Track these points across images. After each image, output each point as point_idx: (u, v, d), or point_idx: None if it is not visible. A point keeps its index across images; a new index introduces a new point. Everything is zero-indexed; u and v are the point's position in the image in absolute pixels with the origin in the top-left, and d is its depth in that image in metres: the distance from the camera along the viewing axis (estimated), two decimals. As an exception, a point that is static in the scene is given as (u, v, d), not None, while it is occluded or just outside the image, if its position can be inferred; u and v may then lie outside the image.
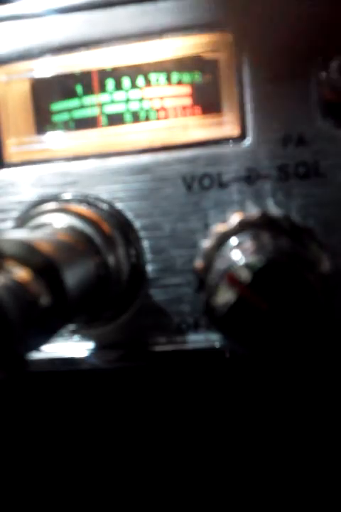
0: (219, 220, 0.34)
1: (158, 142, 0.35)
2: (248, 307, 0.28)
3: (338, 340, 0.33)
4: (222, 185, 0.34)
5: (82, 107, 0.37)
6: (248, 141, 0.34)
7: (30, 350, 0.27)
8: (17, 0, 0.35)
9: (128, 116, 0.36)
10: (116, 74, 0.36)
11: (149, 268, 0.36)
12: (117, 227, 0.35)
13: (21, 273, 0.26)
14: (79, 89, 0.37)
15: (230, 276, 0.29)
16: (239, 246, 0.32)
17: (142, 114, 0.36)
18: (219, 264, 0.31)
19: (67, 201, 0.36)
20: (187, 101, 0.36)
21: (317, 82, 0.32)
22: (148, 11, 0.34)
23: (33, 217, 0.35)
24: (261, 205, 0.34)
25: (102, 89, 0.36)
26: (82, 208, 0.35)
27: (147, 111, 0.36)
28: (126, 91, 0.36)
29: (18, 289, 0.25)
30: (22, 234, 0.30)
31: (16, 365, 0.25)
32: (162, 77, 0.36)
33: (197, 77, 0.36)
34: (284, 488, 0.41)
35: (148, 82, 0.36)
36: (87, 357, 0.37)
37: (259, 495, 0.41)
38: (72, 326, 0.36)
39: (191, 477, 0.42)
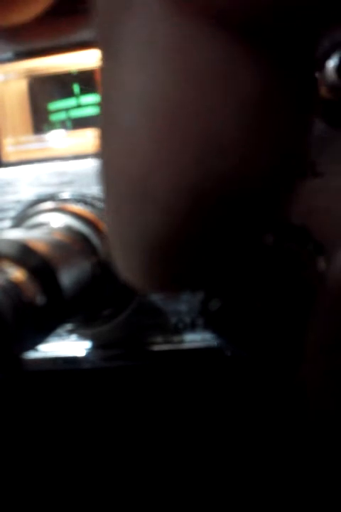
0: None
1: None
2: (243, 307, 0.28)
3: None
4: None
5: (79, 106, 0.37)
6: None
7: (25, 350, 0.27)
8: None
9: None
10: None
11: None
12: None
13: (16, 273, 0.26)
14: (76, 88, 0.37)
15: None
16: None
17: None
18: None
19: (64, 201, 0.36)
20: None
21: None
22: None
23: (30, 216, 0.35)
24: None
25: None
26: (79, 208, 0.35)
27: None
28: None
29: (13, 289, 0.25)
30: (18, 234, 0.30)
31: (11, 365, 0.26)
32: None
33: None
34: (285, 488, 0.41)
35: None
36: (84, 356, 0.37)
37: (259, 495, 0.41)
38: (69, 326, 0.36)
39: (189, 476, 0.42)
